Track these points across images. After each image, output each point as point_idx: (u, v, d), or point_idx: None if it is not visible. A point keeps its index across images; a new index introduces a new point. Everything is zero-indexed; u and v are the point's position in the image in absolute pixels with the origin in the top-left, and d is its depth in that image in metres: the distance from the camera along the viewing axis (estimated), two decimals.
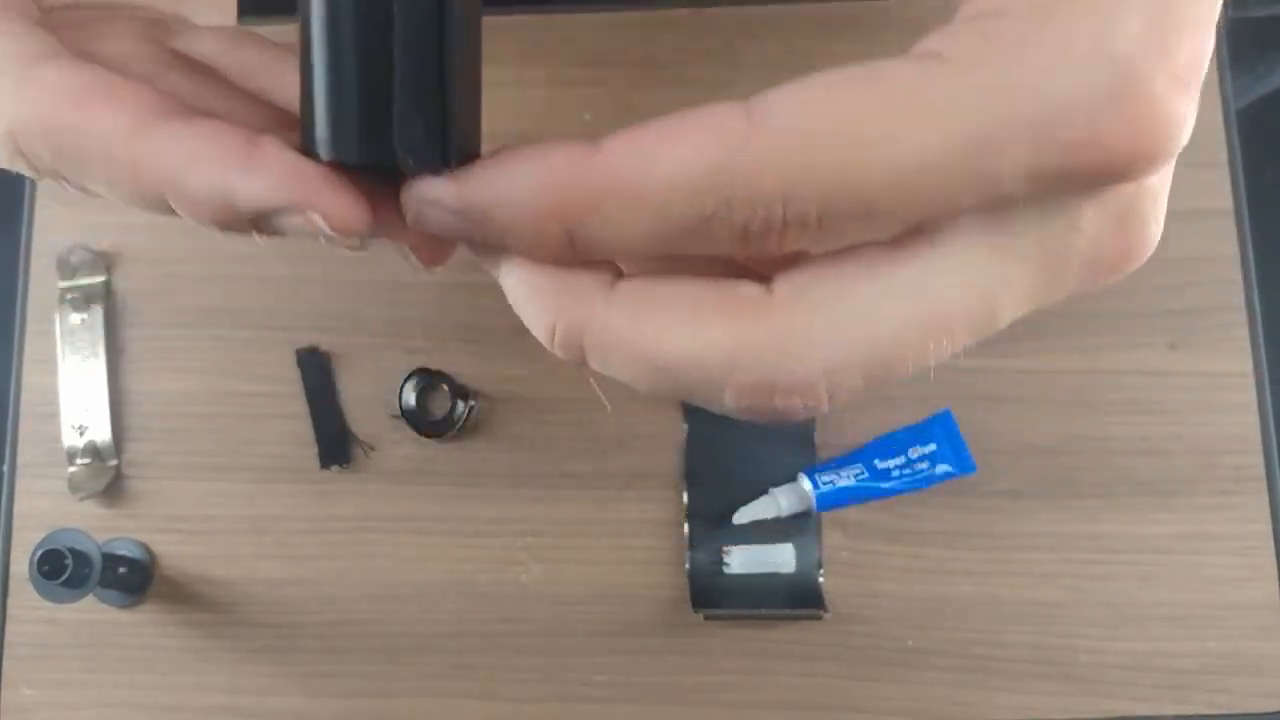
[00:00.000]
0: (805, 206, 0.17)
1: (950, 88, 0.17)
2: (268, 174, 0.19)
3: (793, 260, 0.20)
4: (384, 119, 0.20)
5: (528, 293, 0.21)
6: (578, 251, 0.19)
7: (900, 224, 0.19)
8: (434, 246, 0.24)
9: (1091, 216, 0.19)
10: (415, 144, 0.20)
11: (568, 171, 0.18)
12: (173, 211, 0.21)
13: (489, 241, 0.21)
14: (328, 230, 0.20)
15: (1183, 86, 0.19)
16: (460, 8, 0.20)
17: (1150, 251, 0.20)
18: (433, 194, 0.20)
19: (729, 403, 0.19)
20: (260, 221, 0.20)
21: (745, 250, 0.19)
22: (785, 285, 0.19)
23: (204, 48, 0.25)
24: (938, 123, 0.17)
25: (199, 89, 0.25)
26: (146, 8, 0.26)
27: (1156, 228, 0.21)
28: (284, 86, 0.25)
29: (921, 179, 0.17)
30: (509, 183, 0.19)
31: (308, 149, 0.21)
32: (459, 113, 0.20)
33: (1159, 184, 0.21)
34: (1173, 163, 0.21)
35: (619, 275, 0.20)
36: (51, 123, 0.20)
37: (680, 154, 0.17)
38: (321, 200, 0.20)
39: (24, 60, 0.21)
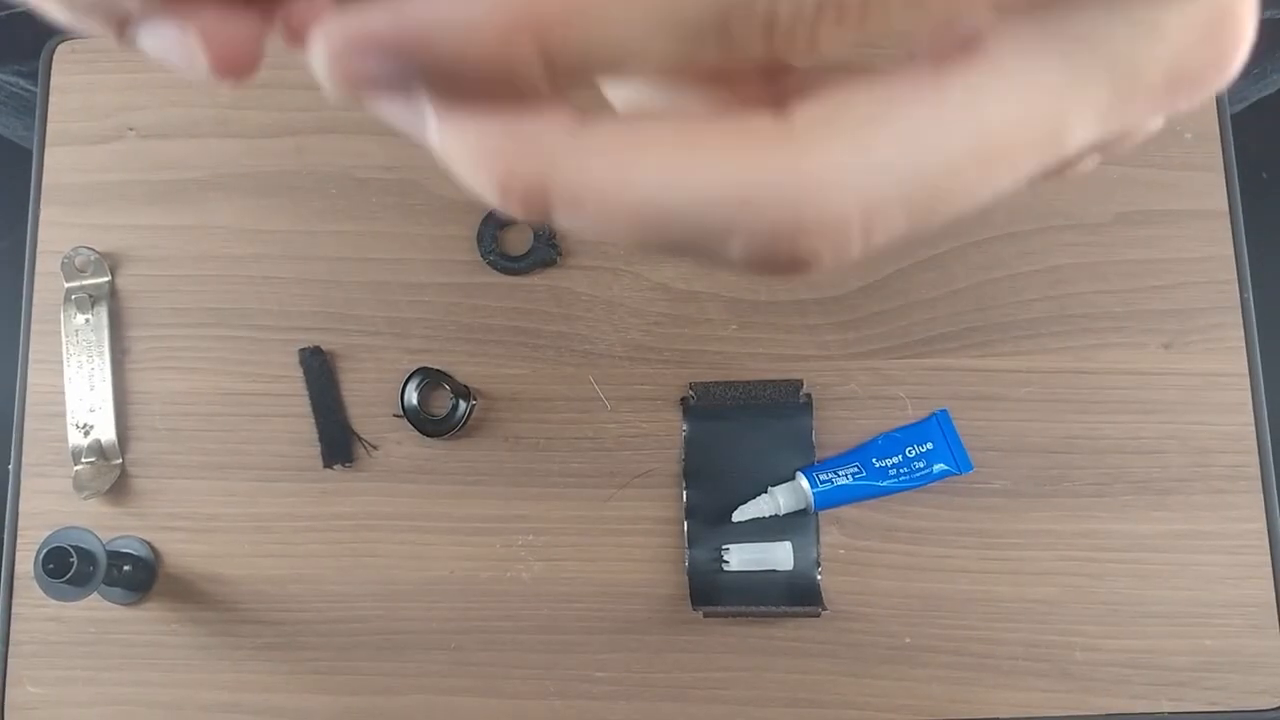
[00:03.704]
0: None
1: None
2: None
3: (810, 89, 0.16)
4: None
5: (474, 149, 0.16)
6: (554, 77, 0.15)
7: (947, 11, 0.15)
8: (238, 42, 0.17)
9: (1176, 18, 0.16)
10: None
11: None
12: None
13: (426, 83, 0.15)
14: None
15: None
16: None
17: (1241, 59, 0.17)
18: (348, 26, 0.15)
19: (737, 253, 0.16)
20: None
21: (770, 50, 0.15)
22: (807, 112, 0.16)
23: None
24: None
25: None
26: None
27: (1250, 26, 0.17)
28: None
29: None
30: None
31: None
32: None
33: None
34: None
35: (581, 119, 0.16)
36: None
37: None
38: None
39: None
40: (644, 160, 0.15)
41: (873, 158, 0.15)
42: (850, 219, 0.15)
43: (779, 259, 0.16)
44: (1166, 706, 0.49)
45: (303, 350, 0.53)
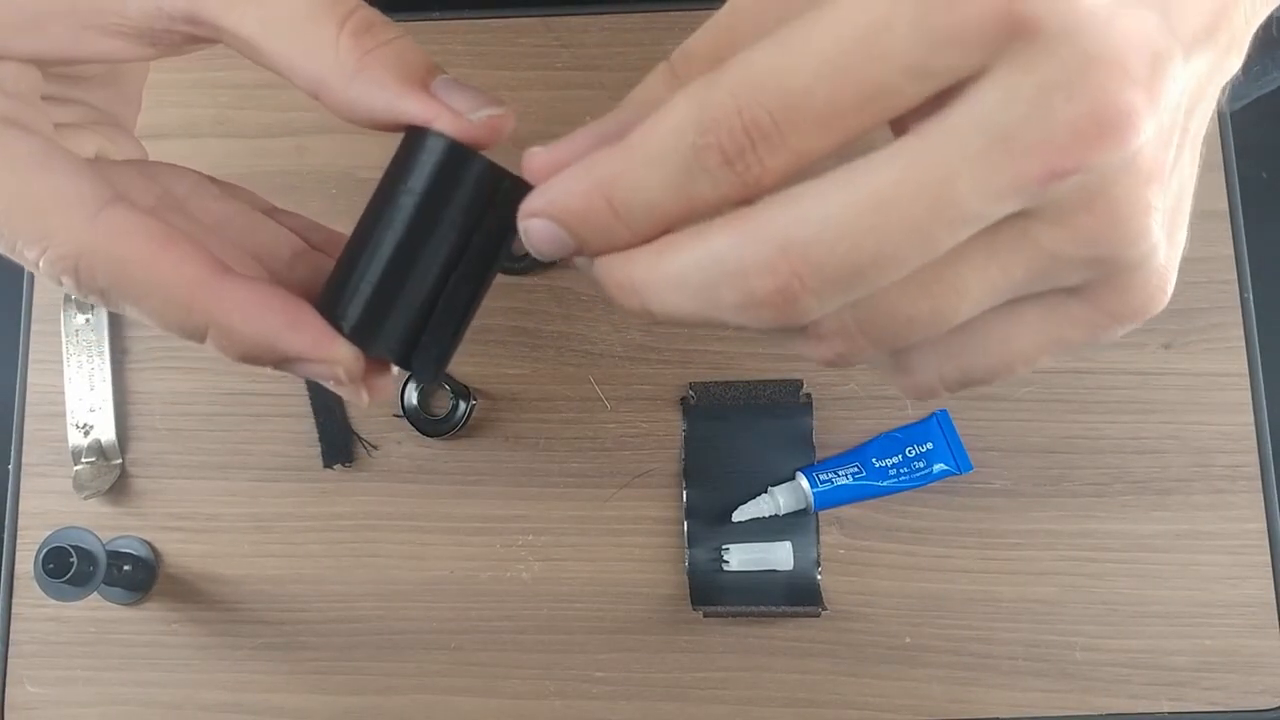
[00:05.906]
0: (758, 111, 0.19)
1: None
2: (308, 336, 0.25)
3: None
4: (408, 338, 0.26)
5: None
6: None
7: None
8: (379, 386, 0.27)
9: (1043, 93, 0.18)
10: (425, 364, 0.26)
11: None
12: (201, 340, 0.25)
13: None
14: (337, 379, 0.26)
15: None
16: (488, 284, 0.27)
17: (1116, 122, 0.19)
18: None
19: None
20: (283, 364, 0.25)
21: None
22: None
23: (196, 206, 0.30)
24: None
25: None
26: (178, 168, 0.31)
27: (1128, 92, 0.19)
28: (251, 236, 0.30)
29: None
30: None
31: (333, 318, 0.26)
32: (456, 347, 0.27)
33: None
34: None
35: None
36: (121, 258, 0.24)
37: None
38: (343, 361, 0.25)
39: (96, 201, 0.24)
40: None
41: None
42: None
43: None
44: (1166, 706, 0.49)
45: None
